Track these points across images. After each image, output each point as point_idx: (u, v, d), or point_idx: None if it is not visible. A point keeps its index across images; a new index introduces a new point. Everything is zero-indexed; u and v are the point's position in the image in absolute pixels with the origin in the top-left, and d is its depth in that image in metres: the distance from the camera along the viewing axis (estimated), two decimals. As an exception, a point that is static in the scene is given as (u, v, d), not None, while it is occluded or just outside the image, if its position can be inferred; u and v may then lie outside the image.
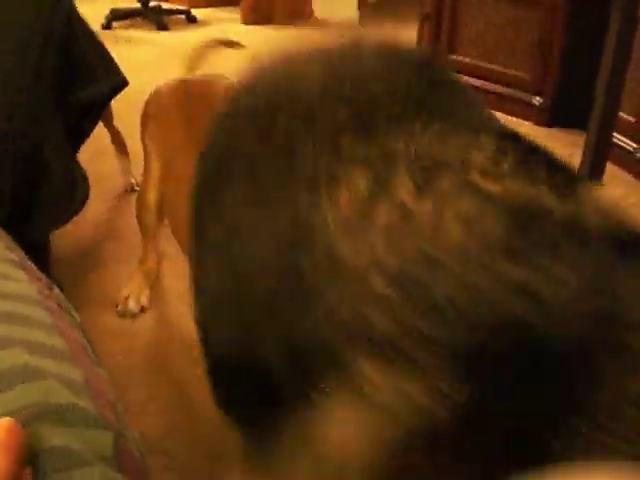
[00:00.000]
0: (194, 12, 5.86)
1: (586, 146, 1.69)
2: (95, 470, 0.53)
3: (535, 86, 3.49)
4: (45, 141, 1.59)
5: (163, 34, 5.36)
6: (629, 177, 2.72)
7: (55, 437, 0.52)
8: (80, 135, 1.82)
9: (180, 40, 5.02)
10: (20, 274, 0.70)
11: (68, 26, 1.65)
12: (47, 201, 1.63)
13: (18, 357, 0.56)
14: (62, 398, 0.55)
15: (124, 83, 1.85)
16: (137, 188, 2.44)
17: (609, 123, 1.69)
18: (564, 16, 3.34)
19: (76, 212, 1.76)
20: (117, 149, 2.58)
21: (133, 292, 1.87)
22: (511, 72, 3.40)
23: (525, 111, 3.54)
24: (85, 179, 1.79)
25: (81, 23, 1.73)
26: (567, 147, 3.32)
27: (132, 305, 1.84)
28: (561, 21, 3.35)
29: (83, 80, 1.72)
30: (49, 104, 1.62)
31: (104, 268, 2.07)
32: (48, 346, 0.60)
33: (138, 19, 5.54)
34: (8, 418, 0.48)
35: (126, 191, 2.57)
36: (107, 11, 5.30)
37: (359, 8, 5.67)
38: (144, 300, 1.87)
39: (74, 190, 1.74)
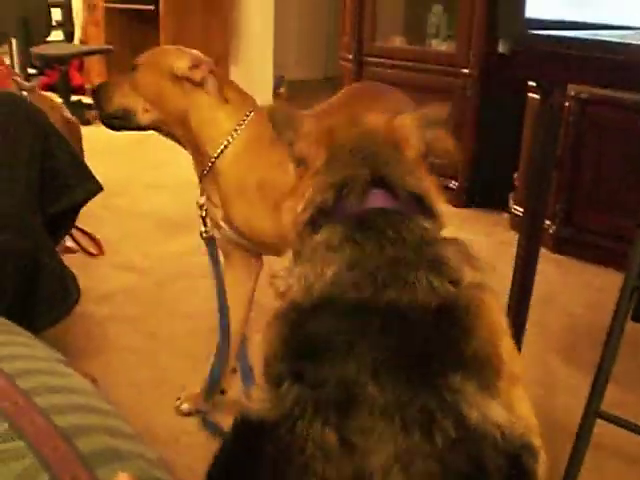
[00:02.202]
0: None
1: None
2: None
3: (450, 171, 3.80)
4: (39, 244, 1.75)
5: (86, 129, 5.31)
6: (544, 250, 2.84)
7: None
8: (57, 238, 1.97)
9: (102, 135, 5.01)
10: (68, 370, 0.81)
11: (46, 141, 1.81)
12: (46, 298, 1.78)
13: (101, 441, 0.66)
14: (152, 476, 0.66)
15: (98, 188, 1.97)
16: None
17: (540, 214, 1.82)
18: (475, 103, 3.69)
19: (71, 308, 1.88)
20: None
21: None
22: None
23: (443, 194, 3.79)
24: (75, 278, 1.91)
25: (57, 137, 1.89)
26: (488, 226, 3.53)
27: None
28: (472, 109, 3.64)
29: (59, 189, 1.87)
30: (36, 213, 1.78)
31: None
32: (124, 431, 0.70)
33: (60, 115, 5.55)
34: (126, 474, 0.58)
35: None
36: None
37: (273, 99, 5.87)
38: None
39: (68, 288, 1.87)
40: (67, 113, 2.46)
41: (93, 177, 1.98)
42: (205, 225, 1.94)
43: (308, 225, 1.06)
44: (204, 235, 1.95)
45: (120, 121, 1.91)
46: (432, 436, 0.79)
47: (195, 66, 1.86)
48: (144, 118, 1.90)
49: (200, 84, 1.86)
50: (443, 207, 1.10)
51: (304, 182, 1.10)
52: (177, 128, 1.91)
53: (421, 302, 0.90)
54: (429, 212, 1.06)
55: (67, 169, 1.88)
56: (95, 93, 1.94)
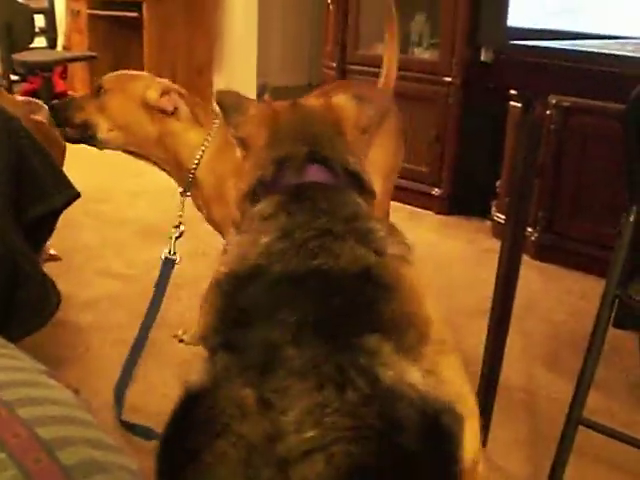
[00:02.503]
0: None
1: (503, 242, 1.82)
2: None
3: (433, 178, 3.83)
4: (19, 252, 1.74)
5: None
6: (526, 257, 2.89)
7: None
8: (36, 245, 1.95)
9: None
10: (51, 381, 0.80)
11: (19, 146, 1.80)
12: (26, 306, 1.77)
13: (84, 452, 0.65)
14: None
15: (75, 194, 1.96)
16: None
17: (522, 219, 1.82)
18: (458, 111, 3.71)
19: (52, 315, 1.87)
20: None
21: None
22: (411, 167, 3.65)
23: (426, 202, 3.87)
24: (54, 284, 1.90)
25: (31, 141, 1.87)
26: (470, 234, 3.55)
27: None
28: (455, 117, 3.66)
29: (36, 197, 1.85)
30: (15, 220, 1.76)
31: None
32: (106, 442, 0.70)
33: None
34: None
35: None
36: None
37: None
38: None
39: (48, 295, 1.85)
40: (42, 117, 2.41)
41: (70, 183, 1.96)
42: (174, 248, 2.06)
43: (248, 197, 1.14)
44: (167, 257, 2.05)
45: (80, 132, 2.04)
46: (344, 392, 0.82)
47: (165, 93, 2.00)
48: (108, 136, 2.04)
49: (172, 113, 2.00)
50: (375, 184, 1.19)
51: (246, 162, 1.19)
52: (150, 149, 2.07)
53: (343, 268, 0.96)
54: (363, 188, 1.14)
55: (44, 175, 1.86)
56: (57, 108, 2.05)
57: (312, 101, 1.25)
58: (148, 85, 2.02)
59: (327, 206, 1.04)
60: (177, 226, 2.07)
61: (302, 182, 1.09)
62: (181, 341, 2.40)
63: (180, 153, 2.05)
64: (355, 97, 1.24)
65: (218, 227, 2.14)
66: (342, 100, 1.24)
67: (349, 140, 1.19)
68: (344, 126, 1.19)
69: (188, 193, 2.12)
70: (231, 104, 1.24)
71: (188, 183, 2.07)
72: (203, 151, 2.04)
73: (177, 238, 2.07)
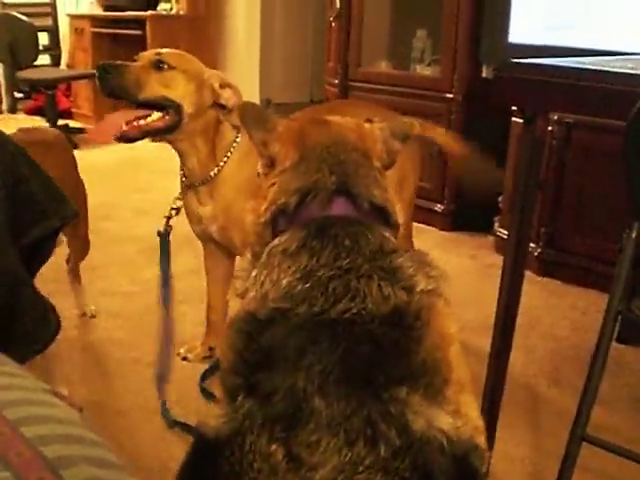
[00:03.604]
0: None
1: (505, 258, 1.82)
2: None
3: (436, 194, 3.84)
4: (19, 277, 1.73)
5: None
6: (529, 273, 2.93)
7: None
8: (34, 265, 1.93)
9: (90, 158, 5.11)
10: (54, 400, 0.81)
11: (17, 171, 1.79)
12: (25, 330, 1.77)
13: (88, 471, 0.66)
14: None
15: (74, 213, 1.95)
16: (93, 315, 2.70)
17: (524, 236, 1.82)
18: (459, 127, 3.69)
19: (52, 339, 1.87)
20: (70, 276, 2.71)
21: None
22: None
23: (430, 218, 3.87)
24: (54, 308, 1.90)
25: (28, 164, 1.84)
26: (473, 249, 3.57)
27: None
28: (457, 132, 3.66)
29: (34, 220, 1.82)
30: (12, 244, 1.75)
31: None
32: (110, 461, 0.70)
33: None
34: None
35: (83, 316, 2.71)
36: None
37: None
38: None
39: (48, 318, 1.85)
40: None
41: (68, 202, 1.95)
42: (168, 223, 2.13)
43: (268, 226, 1.09)
44: (164, 230, 2.13)
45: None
46: (376, 446, 0.80)
47: (227, 85, 2.07)
48: (188, 121, 2.00)
49: (229, 110, 2.04)
50: (400, 216, 1.15)
51: (269, 182, 1.13)
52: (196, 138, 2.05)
53: (371, 312, 0.92)
54: (388, 221, 1.09)
55: (41, 198, 1.85)
56: (110, 79, 1.90)
57: (341, 121, 1.18)
58: (213, 75, 2.08)
59: (351, 243, 0.99)
60: (177, 209, 2.14)
61: (326, 216, 1.04)
62: (184, 359, 2.40)
63: (218, 144, 2.08)
64: (387, 129, 1.19)
65: (220, 226, 2.15)
66: (374, 129, 1.18)
67: (376, 169, 1.13)
68: (372, 156, 1.14)
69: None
70: (254, 118, 1.17)
71: (208, 179, 2.09)
72: (232, 149, 2.08)
73: (170, 218, 2.13)
